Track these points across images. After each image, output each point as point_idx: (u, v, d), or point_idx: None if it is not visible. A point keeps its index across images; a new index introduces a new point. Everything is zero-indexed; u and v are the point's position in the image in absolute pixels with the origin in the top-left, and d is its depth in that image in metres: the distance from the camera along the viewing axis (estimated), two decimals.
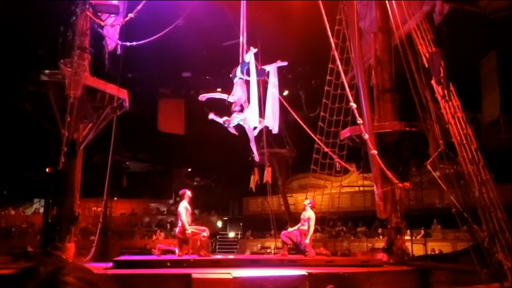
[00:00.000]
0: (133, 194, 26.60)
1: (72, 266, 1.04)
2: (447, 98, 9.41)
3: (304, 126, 12.57)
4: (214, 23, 16.66)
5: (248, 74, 9.32)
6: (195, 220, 14.41)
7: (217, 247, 24.44)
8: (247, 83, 9.36)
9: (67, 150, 9.36)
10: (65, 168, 9.33)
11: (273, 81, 9.80)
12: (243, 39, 9.48)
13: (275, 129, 9.80)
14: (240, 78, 9.31)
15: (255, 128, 9.55)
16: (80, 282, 1.00)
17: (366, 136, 10.09)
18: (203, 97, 9.90)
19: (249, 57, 9.22)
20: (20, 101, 10.99)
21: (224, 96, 9.60)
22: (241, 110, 9.29)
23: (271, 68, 9.84)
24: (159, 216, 26.23)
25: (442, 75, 9.38)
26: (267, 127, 9.96)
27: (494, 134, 16.65)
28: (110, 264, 8.65)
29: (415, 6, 10.94)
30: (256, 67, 9.57)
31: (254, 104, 9.02)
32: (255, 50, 9.24)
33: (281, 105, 10.55)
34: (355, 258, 12.83)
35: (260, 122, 9.36)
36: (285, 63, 9.95)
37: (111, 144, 10.98)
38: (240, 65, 9.39)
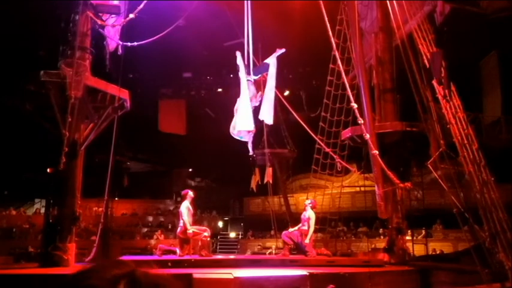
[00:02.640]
0: (134, 194, 26.64)
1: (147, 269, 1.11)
2: (448, 98, 9.40)
3: (305, 127, 12.56)
4: (215, 23, 16.69)
5: (254, 73, 9.35)
6: (196, 220, 14.43)
7: (218, 247, 24.45)
8: (254, 83, 9.37)
9: (68, 150, 9.36)
10: (66, 168, 9.33)
11: (272, 72, 9.76)
12: (247, 39, 9.45)
13: (269, 121, 9.65)
14: (248, 79, 9.30)
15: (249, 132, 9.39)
16: (158, 280, 1.05)
17: (367, 136, 10.08)
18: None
19: (239, 60, 9.29)
20: (21, 101, 10.99)
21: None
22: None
23: (272, 60, 9.82)
24: (160, 216, 26.25)
25: (443, 75, 9.37)
26: (269, 126, 9.93)
27: (495, 135, 16.64)
28: None
29: (416, 6, 10.94)
30: (250, 66, 9.56)
31: (246, 105, 8.93)
32: (239, 54, 9.30)
33: (281, 104, 10.52)
34: (356, 259, 12.83)
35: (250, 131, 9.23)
36: (283, 50, 9.87)
37: (112, 144, 10.99)
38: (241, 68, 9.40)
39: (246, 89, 9.10)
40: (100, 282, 1.00)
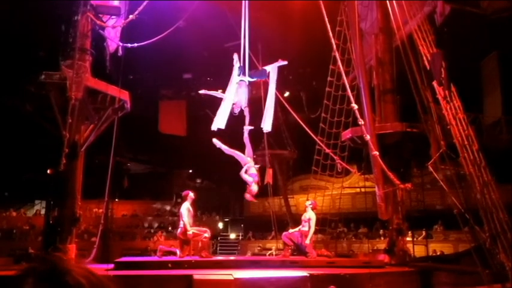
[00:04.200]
0: (135, 196, 26.59)
1: (73, 262, 1.10)
2: (448, 98, 9.40)
3: (306, 128, 12.57)
4: (215, 24, 16.68)
5: (250, 75, 9.42)
6: (196, 221, 14.41)
7: (218, 248, 24.42)
8: (249, 85, 9.44)
9: (68, 151, 9.36)
10: (66, 169, 9.33)
11: (273, 80, 9.85)
12: (243, 40, 9.51)
13: (266, 128, 9.87)
14: (241, 80, 9.36)
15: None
16: (82, 270, 1.04)
17: (367, 137, 10.08)
18: (203, 92, 10.24)
19: (235, 62, 9.45)
20: (21, 102, 10.99)
21: (223, 96, 9.71)
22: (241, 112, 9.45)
23: (272, 68, 9.89)
24: (160, 217, 26.25)
25: (443, 76, 9.37)
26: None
27: (495, 135, 16.62)
28: (111, 266, 8.66)
29: (416, 7, 10.94)
30: (256, 68, 9.68)
31: (225, 106, 9.22)
32: (237, 56, 9.49)
33: (279, 104, 10.63)
34: (357, 259, 12.82)
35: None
36: (285, 62, 10.00)
37: (113, 145, 10.98)
38: (238, 68, 9.49)
39: (233, 91, 9.29)
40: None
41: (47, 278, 1.02)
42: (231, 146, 10.06)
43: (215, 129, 9.40)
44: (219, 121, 9.26)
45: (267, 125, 9.81)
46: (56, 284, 1.01)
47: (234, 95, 9.30)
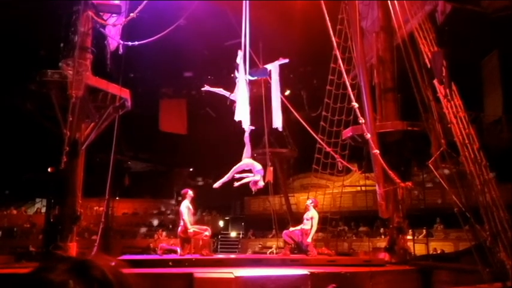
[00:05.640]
0: (135, 194, 26.64)
1: (104, 257, 1.15)
2: (449, 97, 9.40)
3: (306, 126, 12.57)
4: (216, 23, 16.68)
5: (251, 74, 9.43)
6: (197, 220, 14.43)
7: (219, 247, 24.45)
8: (250, 83, 9.45)
9: (69, 149, 9.37)
10: (67, 168, 9.34)
11: (275, 79, 9.86)
12: (244, 39, 9.51)
13: (279, 127, 9.92)
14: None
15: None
16: (110, 267, 1.09)
17: (368, 136, 10.08)
18: (206, 89, 10.26)
19: (239, 59, 9.46)
20: (22, 101, 11.01)
21: (226, 93, 9.72)
22: None
23: (273, 66, 9.89)
24: (161, 215, 26.27)
25: (444, 74, 9.36)
26: (270, 126, 10.09)
27: (496, 134, 16.62)
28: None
29: (417, 5, 10.94)
30: (257, 67, 9.69)
31: (243, 103, 9.21)
32: (241, 53, 9.50)
33: (282, 104, 10.65)
34: (357, 258, 12.82)
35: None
36: (286, 60, 10.00)
37: (113, 144, 10.99)
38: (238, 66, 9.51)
39: (245, 87, 9.25)
40: (55, 276, 1.03)
41: (78, 268, 1.04)
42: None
43: (248, 129, 9.50)
44: (245, 121, 9.26)
45: (277, 124, 9.92)
46: (84, 275, 1.04)
47: (240, 92, 9.29)
